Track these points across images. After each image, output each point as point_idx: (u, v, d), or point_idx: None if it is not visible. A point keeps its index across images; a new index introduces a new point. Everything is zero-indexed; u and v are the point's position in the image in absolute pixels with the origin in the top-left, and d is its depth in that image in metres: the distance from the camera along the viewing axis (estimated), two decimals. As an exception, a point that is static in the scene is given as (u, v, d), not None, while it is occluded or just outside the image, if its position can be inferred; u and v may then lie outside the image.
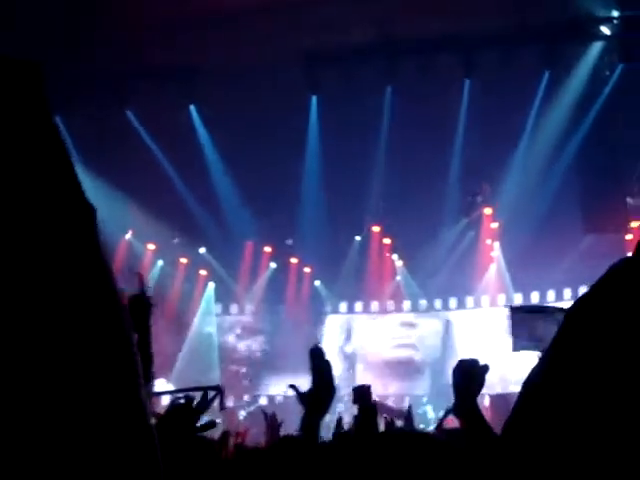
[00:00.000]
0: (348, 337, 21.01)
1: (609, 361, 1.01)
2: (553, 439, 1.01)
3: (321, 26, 15.83)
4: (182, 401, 2.82)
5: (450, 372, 3.37)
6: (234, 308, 22.13)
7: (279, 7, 15.56)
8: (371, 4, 15.81)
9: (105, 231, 0.98)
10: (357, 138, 17.63)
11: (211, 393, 3.43)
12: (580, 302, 1.13)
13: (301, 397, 3.07)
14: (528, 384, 1.11)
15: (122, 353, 0.88)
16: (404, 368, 20.67)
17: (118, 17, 15.67)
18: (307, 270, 21.24)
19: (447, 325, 20.72)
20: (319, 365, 3.03)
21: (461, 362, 3.41)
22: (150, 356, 2.59)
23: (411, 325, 20.89)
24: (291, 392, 3.30)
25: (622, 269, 1.10)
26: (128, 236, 20.42)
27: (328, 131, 18.55)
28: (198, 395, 3.28)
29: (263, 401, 20.52)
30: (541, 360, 1.11)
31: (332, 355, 20.87)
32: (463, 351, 18.81)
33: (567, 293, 18.96)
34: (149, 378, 2.57)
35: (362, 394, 4.30)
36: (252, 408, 19.47)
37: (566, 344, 1.08)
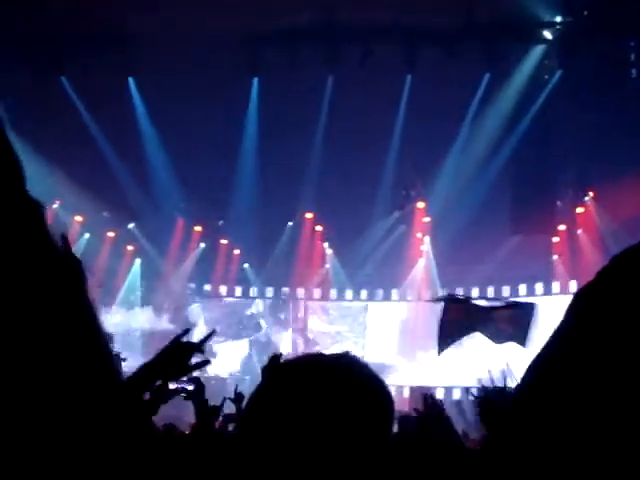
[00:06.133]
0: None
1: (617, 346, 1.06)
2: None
3: (265, 5, 15.66)
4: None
5: None
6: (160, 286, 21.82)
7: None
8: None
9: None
10: (296, 124, 17.54)
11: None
12: (588, 288, 1.14)
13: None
14: (538, 367, 1.13)
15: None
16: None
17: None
18: (236, 252, 21.10)
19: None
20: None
21: None
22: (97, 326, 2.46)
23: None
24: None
25: (625, 259, 1.12)
26: (55, 206, 19.94)
27: (267, 114, 18.42)
28: None
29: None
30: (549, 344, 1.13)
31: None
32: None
33: (490, 291, 19.24)
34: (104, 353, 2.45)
35: None
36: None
37: (577, 328, 1.11)
